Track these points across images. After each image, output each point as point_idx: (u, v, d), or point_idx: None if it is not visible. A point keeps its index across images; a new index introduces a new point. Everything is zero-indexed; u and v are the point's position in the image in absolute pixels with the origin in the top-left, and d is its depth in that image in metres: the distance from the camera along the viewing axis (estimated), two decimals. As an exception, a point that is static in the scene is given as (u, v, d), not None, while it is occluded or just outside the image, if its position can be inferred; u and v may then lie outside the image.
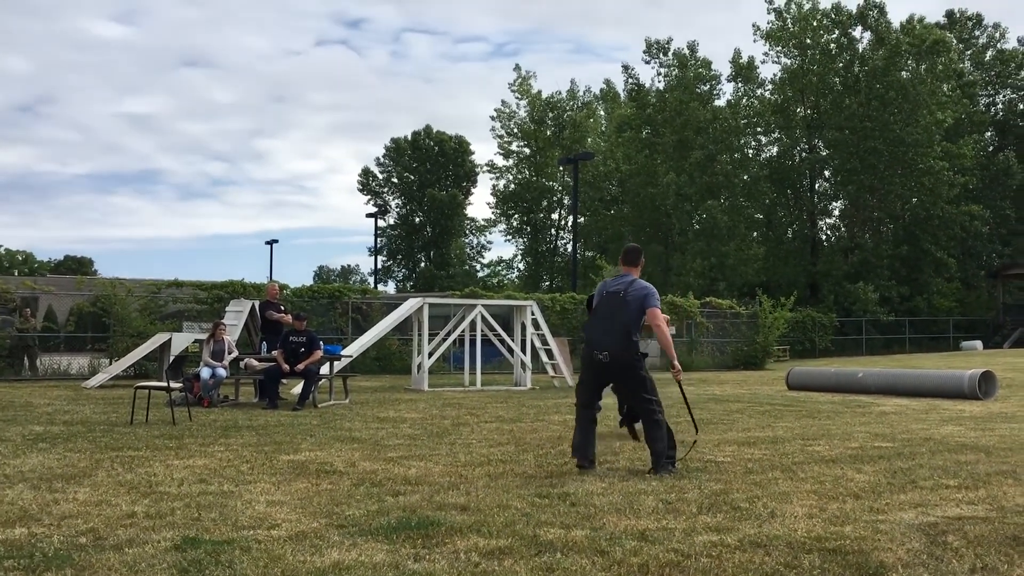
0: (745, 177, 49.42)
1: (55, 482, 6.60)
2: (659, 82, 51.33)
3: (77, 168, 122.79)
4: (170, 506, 5.73)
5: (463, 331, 19.09)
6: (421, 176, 65.52)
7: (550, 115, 60.21)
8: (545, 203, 61.77)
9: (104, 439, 9.21)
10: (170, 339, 17.62)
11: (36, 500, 5.90)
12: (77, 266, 71.73)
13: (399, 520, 5.31)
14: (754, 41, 60.61)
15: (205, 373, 13.79)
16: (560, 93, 61.23)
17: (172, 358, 17.52)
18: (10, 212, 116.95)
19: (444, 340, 19.56)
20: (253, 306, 17.18)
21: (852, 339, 41.07)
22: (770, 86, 50.55)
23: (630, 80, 51.95)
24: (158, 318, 22.67)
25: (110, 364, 19.80)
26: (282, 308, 16.08)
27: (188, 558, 4.42)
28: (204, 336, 15.35)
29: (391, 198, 67.40)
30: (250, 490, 6.34)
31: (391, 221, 66.53)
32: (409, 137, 66.37)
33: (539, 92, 60.68)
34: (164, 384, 11.49)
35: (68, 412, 12.25)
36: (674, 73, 50.36)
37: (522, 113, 61.07)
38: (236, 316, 17.44)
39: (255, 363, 14.74)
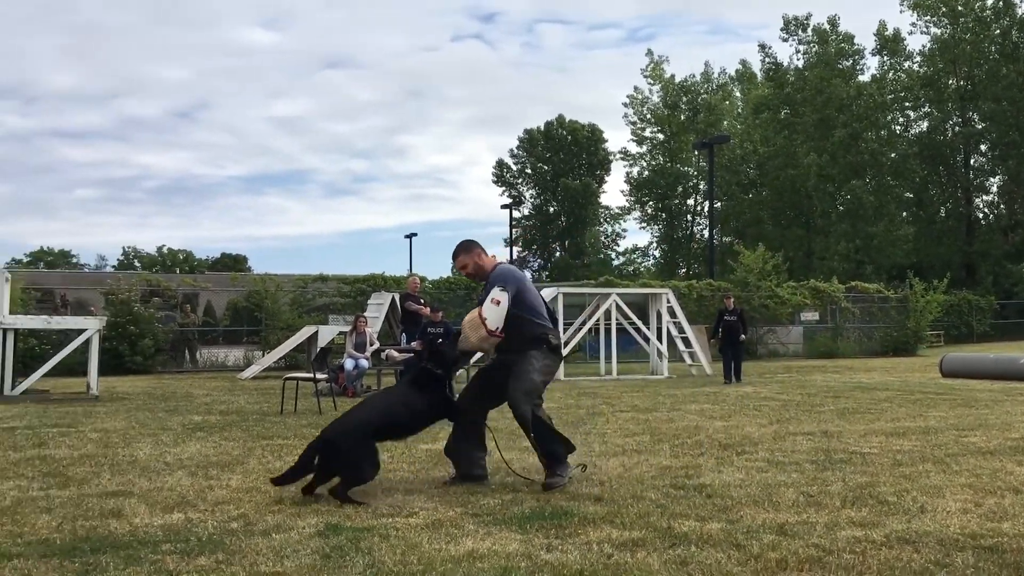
0: (893, 155, 47.17)
1: (211, 469, 6.98)
2: (798, 60, 49.66)
3: (231, 170, 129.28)
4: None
5: (598, 320, 19.04)
6: (554, 166, 65.61)
7: (684, 99, 59.15)
8: (680, 189, 60.80)
9: (256, 428, 9.67)
10: (317, 331, 18.33)
11: (193, 487, 6.25)
12: (232, 263, 75.56)
13: (532, 510, 5.35)
14: (900, 12, 57.49)
15: (349, 364, 14.29)
16: (694, 76, 60.09)
17: (318, 350, 18.22)
18: (172, 214, 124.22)
19: (579, 329, 19.56)
20: (394, 298, 17.66)
21: (1013, 323, 38.61)
22: (918, 58, 48.06)
23: (767, 59, 50.47)
24: (306, 311, 23.61)
25: (262, 356, 20.78)
26: (421, 300, 16.47)
27: (330, 544, 4.59)
28: (348, 328, 15.90)
29: (525, 189, 67.83)
30: (389, 479, 6.53)
31: (526, 211, 66.98)
32: (542, 127, 66.56)
33: (672, 76, 59.72)
34: (311, 375, 11.97)
35: (224, 402, 12.93)
36: (814, 50, 48.57)
37: (655, 98, 60.27)
38: (377, 309, 17.99)
39: (395, 354, 15.16)
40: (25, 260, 76.56)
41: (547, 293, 18.83)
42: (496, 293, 6.09)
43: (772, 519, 5.08)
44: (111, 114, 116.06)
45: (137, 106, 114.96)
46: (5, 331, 13.08)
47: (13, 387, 13.24)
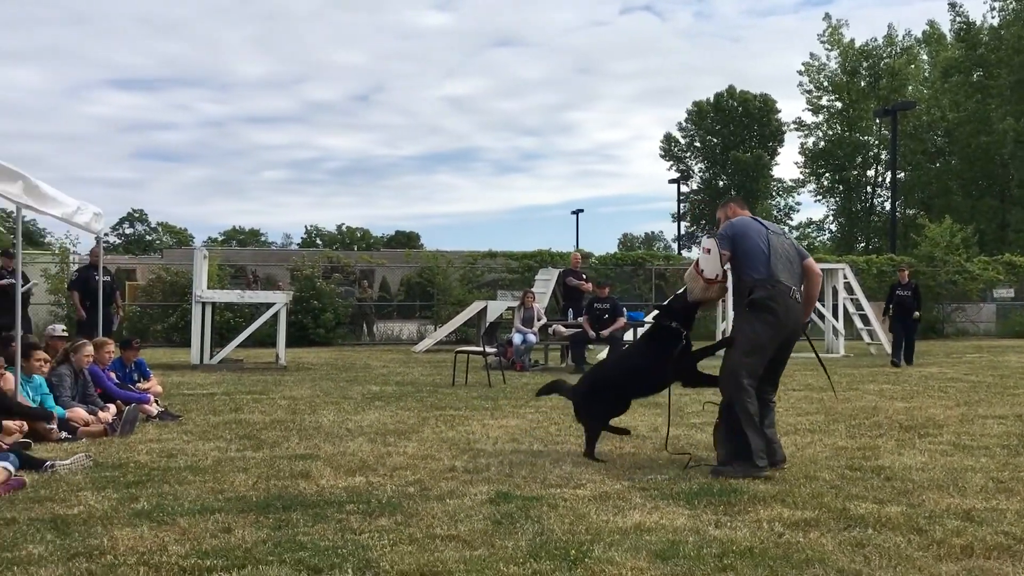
0: (1103, 117, 43.08)
1: (388, 437, 7.33)
2: (992, 18, 46.01)
3: (405, 150, 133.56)
4: (486, 462, 6.16)
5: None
6: (724, 138, 63.89)
7: (864, 65, 56.07)
8: (859, 159, 57.81)
9: (430, 399, 10.05)
10: (486, 307, 18.74)
11: (373, 452, 6.59)
12: (406, 240, 78.17)
13: (701, 486, 5.32)
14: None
15: (517, 339, 14.56)
16: (876, 40, 56.78)
17: (487, 324, 18.64)
18: (351, 193, 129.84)
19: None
20: (560, 274, 17.81)
21: None
22: None
23: (958, 19, 47.08)
24: (475, 287, 24.18)
25: (435, 330, 21.48)
26: (583, 276, 16.54)
27: (501, 511, 4.74)
28: (516, 304, 16.18)
29: (694, 162, 66.47)
30: (558, 451, 6.65)
31: (694, 186, 65.67)
32: (711, 99, 64.92)
33: (851, 41, 56.71)
34: (481, 349, 12.29)
35: (400, 374, 13.49)
36: (1011, 7, 44.87)
37: (833, 65, 57.43)
38: (544, 284, 18.18)
39: (562, 329, 15.32)
40: (219, 239, 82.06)
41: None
42: (706, 242, 6.07)
43: (957, 504, 4.84)
44: (296, 99, 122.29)
45: (319, 91, 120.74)
46: (204, 305, 14.13)
47: (212, 356, 14.31)
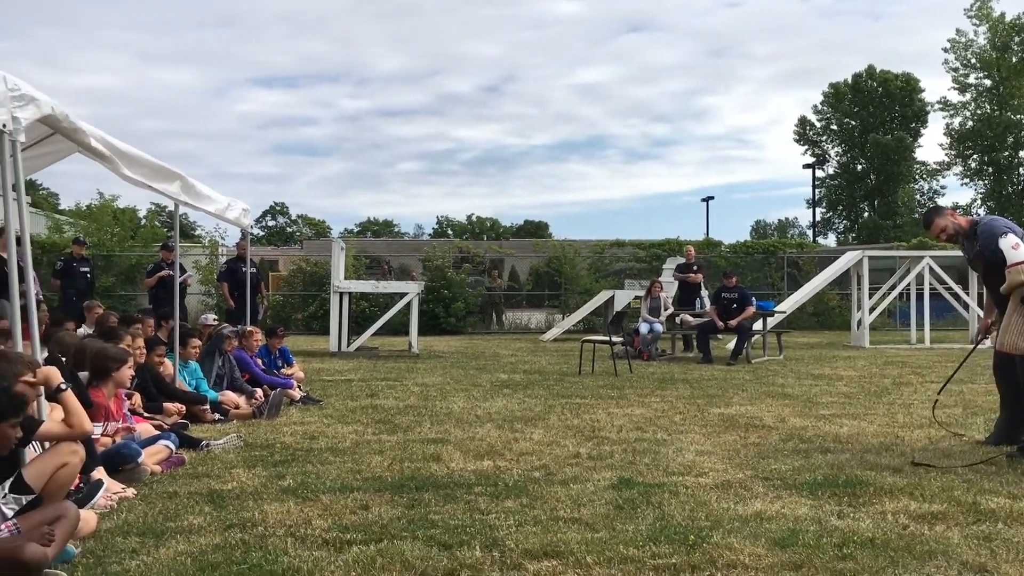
0: None
1: (516, 423, 7.56)
2: None
3: (536, 139, 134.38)
4: (609, 449, 6.30)
5: (909, 285, 17.84)
6: (863, 120, 61.40)
7: (1016, 40, 52.82)
8: (1011, 139, 54.55)
9: (556, 387, 10.25)
10: (613, 296, 18.81)
11: (500, 438, 6.83)
12: (535, 230, 78.65)
13: (825, 477, 5.31)
14: None
15: (644, 328, 14.59)
16: (1030, 11, 53.36)
17: (614, 314, 18.72)
18: (483, 184, 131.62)
19: (887, 294, 18.45)
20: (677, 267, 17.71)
21: None
22: None
23: (1124, -16, 43.67)
24: (602, 276, 24.25)
25: (562, 319, 21.69)
26: (695, 268, 16.39)
27: (623, 497, 4.87)
28: (643, 293, 16.20)
29: (830, 146, 64.21)
30: (681, 439, 6.72)
31: (830, 171, 63.44)
32: (849, 80, 62.50)
33: (1002, 15, 53.47)
34: (607, 338, 12.41)
35: (527, 362, 13.75)
36: None
37: (981, 40, 54.34)
38: (671, 273, 18.09)
39: (690, 318, 15.25)
40: (355, 230, 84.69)
41: (850, 256, 17.93)
42: (1010, 239, 6.06)
43: (1099, 503, 4.67)
44: (430, 92, 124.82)
45: (453, 83, 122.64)
46: (341, 295, 14.78)
47: (348, 344, 14.95)
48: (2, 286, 10.12)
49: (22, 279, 4.84)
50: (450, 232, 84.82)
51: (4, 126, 4.42)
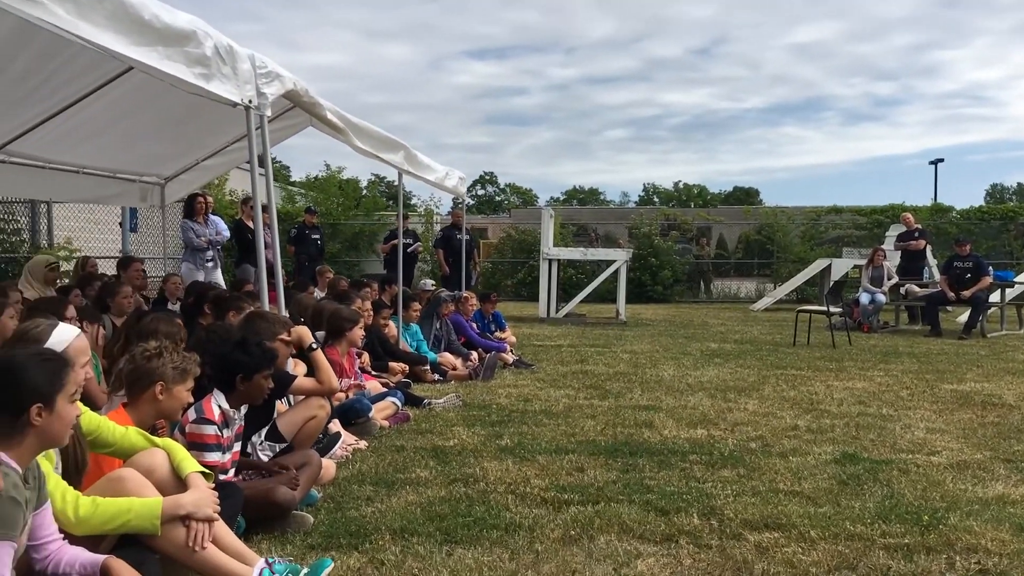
0: None
1: (728, 393, 7.43)
2: None
3: (749, 103, 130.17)
4: (830, 423, 6.07)
5: None
6: (1123, 70, 54.86)
7: None
8: None
9: (769, 358, 9.95)
10: (830, 264, 17.97)
11: (713, 407, 6.74)
12: (744, 196, 76.45)
13: (1078, 462, 4.87)
14: None
15: (864, 298, 13.86)
16: None
17: (832, 283, 17.88)
18: (691, 150, 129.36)
19: None
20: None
21: None
22: None
23: None
24: (818, 244, 23.20)
25: (774, 288, 20.98)
26: (915, 235, 15.29)
27: (847, 472, 4.69)
28: (863, 262, 15.37)
29: (1082, 100, 57.88)
30: (909, 415, 6.36)
31: (1082, 127, 57.23)
32: (1107, 25, 55.89)
33: None
34: (824, 308, 11.90)
35: (738, 332, 13.43)
36: None
37: None
38: (894, 242, 17.04)
39: (916, 288, 14.33)
40: (561, 198, 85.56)
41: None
42: None
43: None
44: (638, 57, 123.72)
45: (661, 47, 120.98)
46: (550, 262, 15.00)
47: (557, 311, 15.18)
48: (247, 252, 11.06)
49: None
50: (656, 199, 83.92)
51: (251, 101, 4.79)
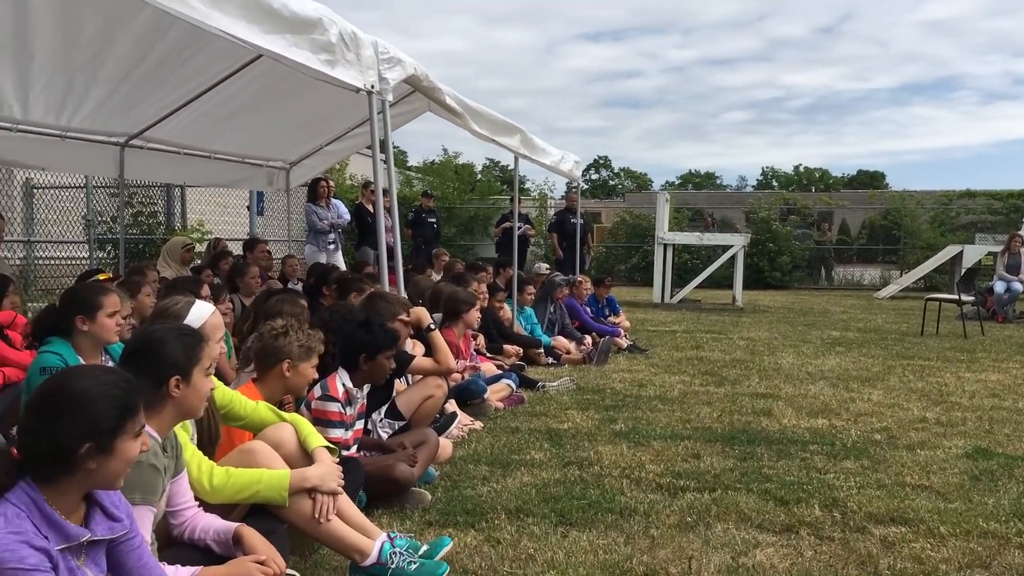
0: None
1: (850, 383, 7.19)
2: None
3: (875, 83, 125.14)
4: (961, 416, 5.80)
5: None
6: None
7: None
8: None
9: (895, 347, 9.58)
10: (961, 251, 17.15)
11: (835, 397, 6.54)
12: (869, 180, 73.51)
13: None
14: None
15: (999, 287, 13.18)
16: None
17: (963, 271, 17.05)
18: (813, 132, 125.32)
19: None
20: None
21: None
22: None
23: None
24: (948, 230, 22.17)
25: (900, 276, 20.16)
26: None
27: (979, 467, 4.48)
28: (998, 248, 14.61)
29: None
30: (1048, 411, 6.03)
31: None
32: None
33: None
34: (956, 297, 11.37)
35: (861, 320, 12.98)
36: None
37: None
38: (1034, 227, 16.10)
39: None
40: (676, 182, 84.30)
41: None
42: None
43: None
44: (759, 37, 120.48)
45: (784, 26, 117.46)
46: (665, 246, 14.82)
47: (671, 296, 15.00)
48: (367, 235, 11.33)
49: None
50: (775, 183, 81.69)
51: (373, 87, 4.89)
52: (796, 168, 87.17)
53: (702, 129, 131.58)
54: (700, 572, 3.10)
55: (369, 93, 4.85)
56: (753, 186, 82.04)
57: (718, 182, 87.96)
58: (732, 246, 15.09)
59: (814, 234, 23.18)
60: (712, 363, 8.22)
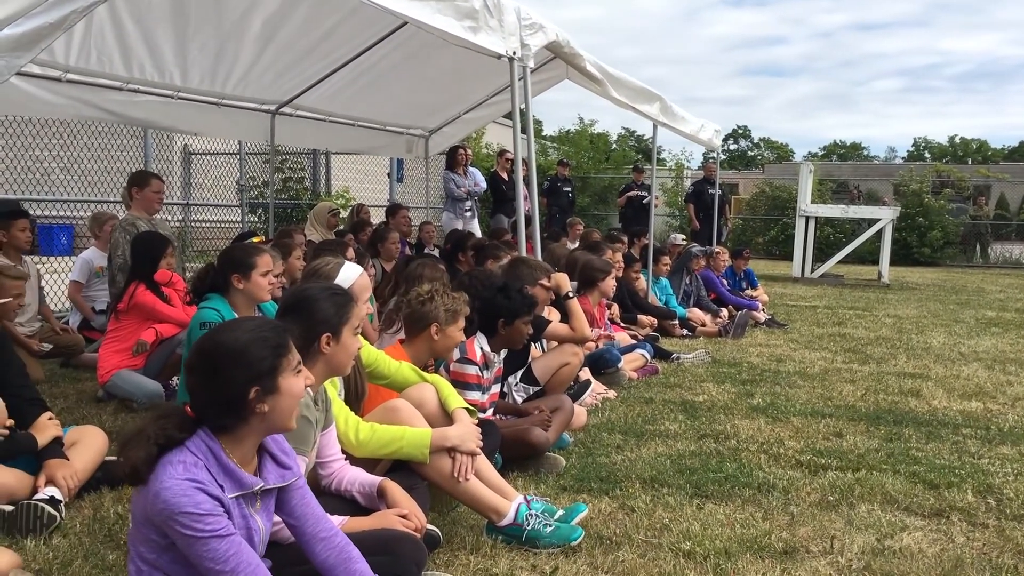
0: None
1: (1008, 365, 6.80)
2: None
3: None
4: None
5: None
6: None
7: None
8: None
9: (1058, 330, 8.99)
10: None
11: (990, 379, 6.20)
12: (1030, 152, 68.83)
13: None
14: None
15: None
16: None
17: None
18: (971, 101, 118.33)
19: None
20: None
21: None
22: None
23: None
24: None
25: (1064, 254, 18.87)
26: None
27: None
28: None
29: None
30: None
31: None
32: None
33: None
34: None
35: (1020, 300, 12.23)
36: None
37: None
38: None
39: None
40: (819, 153, 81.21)
41: None
42: None
43: None
44: (916, 0, 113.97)
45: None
46: (807, 219, 14.32)
47: (812, 270, 14.51)
48: (501, 203, 11.41)
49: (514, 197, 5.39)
50: (927, 155, 77.59)
51: (515, 53, 4.89)
52: (951, 139, 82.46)
53: (849, 98, 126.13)
54: (843, 552, 3.01)
55: (511, 60, 4.86)
56: (903, 158, 78.18)
57: (864, 153, 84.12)
58: (879, 219, 14.44)
59: (969, 208, 21.93)
60: (855, 340, 7.92)
